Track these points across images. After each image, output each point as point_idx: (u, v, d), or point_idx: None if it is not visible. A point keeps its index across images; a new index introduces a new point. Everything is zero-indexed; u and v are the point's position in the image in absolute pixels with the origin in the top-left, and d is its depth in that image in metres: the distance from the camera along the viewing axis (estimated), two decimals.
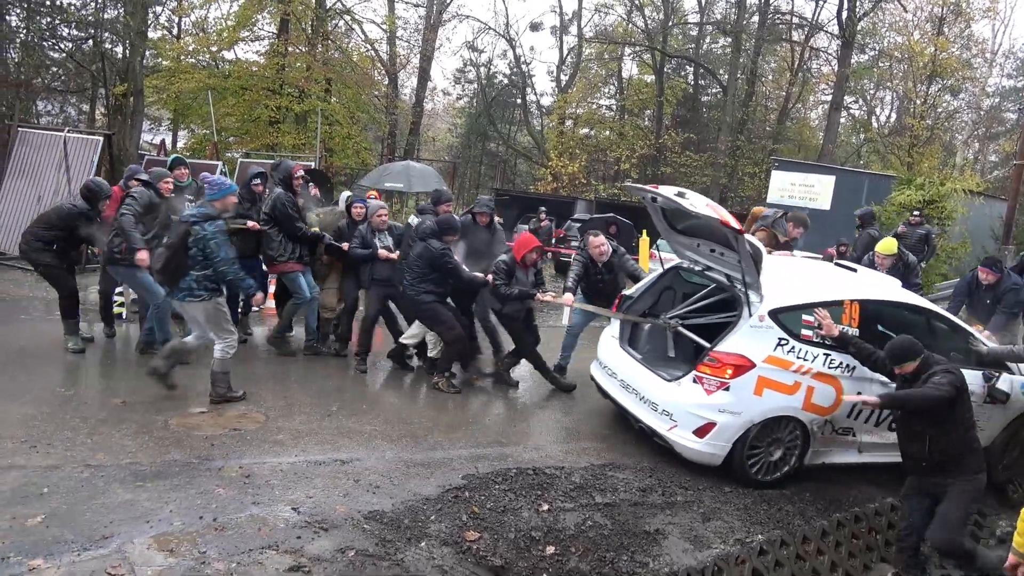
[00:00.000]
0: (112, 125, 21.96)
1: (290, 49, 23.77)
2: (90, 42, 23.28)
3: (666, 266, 6.52)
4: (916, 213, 12.25)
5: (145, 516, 3.80)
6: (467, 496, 4.48)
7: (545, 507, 4.51)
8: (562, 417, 6.35)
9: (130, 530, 3.65)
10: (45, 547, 3.42)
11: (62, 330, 6.67)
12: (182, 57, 24.32)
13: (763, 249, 5.17)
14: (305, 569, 3.48)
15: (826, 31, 30.63)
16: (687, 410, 5.09)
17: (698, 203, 5.00)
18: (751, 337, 5.05)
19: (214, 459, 4.61)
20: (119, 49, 23.67)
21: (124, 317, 7.95)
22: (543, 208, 17.31)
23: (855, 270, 6.24)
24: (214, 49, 24.54)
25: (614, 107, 35.30)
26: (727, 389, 4.98)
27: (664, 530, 4.48)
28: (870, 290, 5.72)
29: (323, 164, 20.84)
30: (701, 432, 5.05)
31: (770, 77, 35.24)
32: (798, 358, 5.07)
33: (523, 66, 36.14)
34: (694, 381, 5.11)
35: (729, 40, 31.87)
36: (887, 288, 5.97)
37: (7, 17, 21.37)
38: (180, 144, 28.59)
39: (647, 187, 5.49)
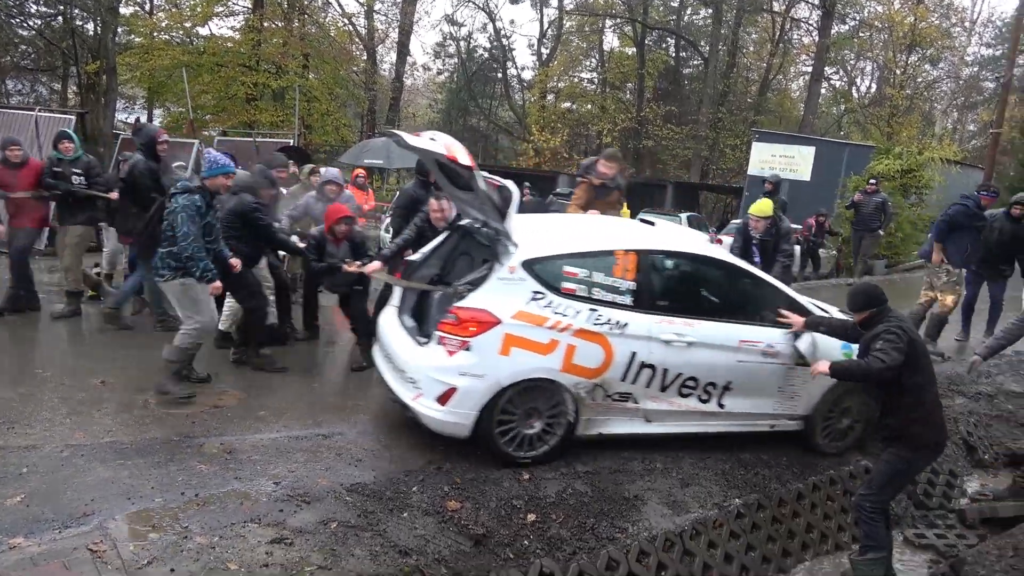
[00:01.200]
0: (85, 104, 21.55)
1: (265, 24, 23.38)
2: (60, 19, 22.76)
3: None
4: (872, 182, 12.37)
5: (126, 493, 3.80)
6: (448, 467, 4.53)
7: (526, 476, 4.56)
8: None
9: (111, 507, 3.66)
10: (26, 525, 3.42)
11: (32, 310, 7.00)
12: (155, 33, 23.86)
13: (514, 192, 4.70)
14: (287, 541, 3.51)
15: (807, 1, 30.57)
16: (428, 374, 4.52)
17: (439, 143, 4.55)
18: (499, 291, 4.52)
19: (195, 436, 4.61)
20: (90, 26, 23.21)
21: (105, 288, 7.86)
22: (527, 184, 16.93)
23: (653, 224, 5.85)
24: (188, 25, 24.11)
25: (595, 80, 35.16)
26: (468, 349, 4.43)
27: (643, 496, 4.56)
28: (654, 241, 5.14)
29: (301, 141, 20.62)
30: (443, 399, 4.47)
31: (751, 48, 35.22)
32: (555, 313, 4.53)
33: (503, 40, 35.91)
34: (438, 343, 4.57)
35: (710, 11, 31.72)
36: (680, 240, 5.47)
37: None
38: (156, 123, 28.17)
39: (397, 131, 5.02)
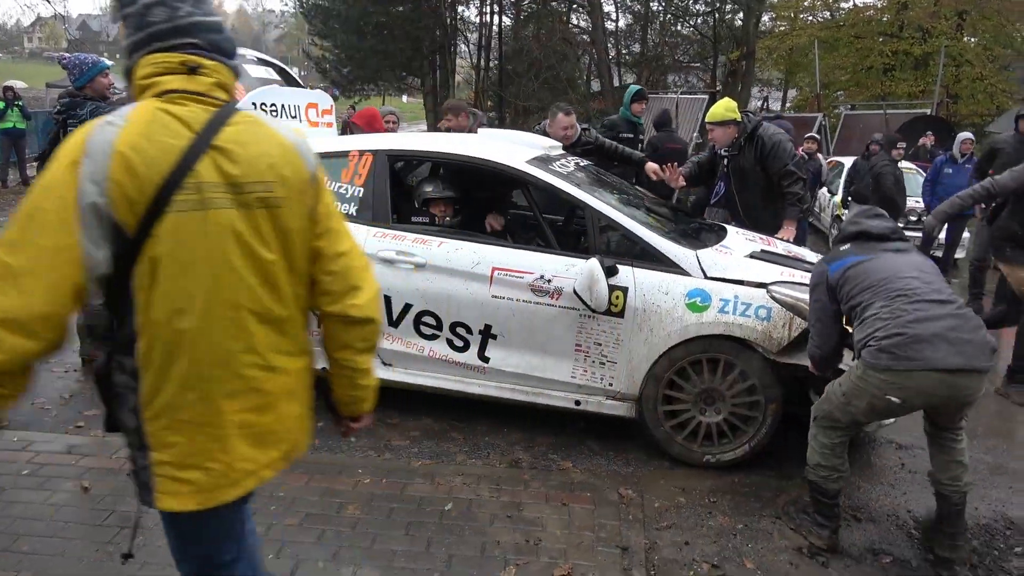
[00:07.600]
0: (725, 89, 23.29)
1: None
2: (715, 15, 24.93)
3: None
4: None
5: (673, 466, 3.69)
6: None
7: None
8: None
9: (648, 463, 3.65)
10: (576, 453, 3.70)
11: None
12: (798, 15, 24.08)
13: None
14: (821, 560, 2.87)
15: None
16: None
17: None
18: None
19: None
20: (737, 16, 24.79)
21: None
22: None
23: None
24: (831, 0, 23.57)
25: None
26: None
27: None
28: (402, 141, 4.55)
29: (943, 111, 18.00)
30: None
31: None
32: None
33: None
34: None
35: None
36: (450, 142, 4.26)
37: (651, 3, 24.54)
38: (787, 104, 28.63)
39: None
